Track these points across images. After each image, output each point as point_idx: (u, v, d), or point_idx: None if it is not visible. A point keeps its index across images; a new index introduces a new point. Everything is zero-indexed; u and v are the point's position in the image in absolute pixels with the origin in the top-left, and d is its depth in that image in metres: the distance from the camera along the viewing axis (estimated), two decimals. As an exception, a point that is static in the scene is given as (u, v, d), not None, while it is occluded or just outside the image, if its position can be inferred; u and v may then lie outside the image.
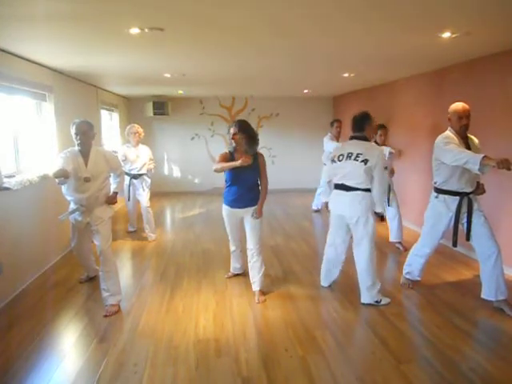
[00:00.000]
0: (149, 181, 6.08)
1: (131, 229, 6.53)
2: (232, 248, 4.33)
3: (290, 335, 3.22)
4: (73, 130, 3.65)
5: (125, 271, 4.88)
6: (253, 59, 4.95)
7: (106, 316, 3.57)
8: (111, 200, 3.94)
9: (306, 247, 5.60)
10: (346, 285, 4.28)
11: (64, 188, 3.74)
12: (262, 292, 3.92)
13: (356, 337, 3.20)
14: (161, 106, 9.47)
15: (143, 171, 5.99)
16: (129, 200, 6.14)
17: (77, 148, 3.70)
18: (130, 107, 9.82)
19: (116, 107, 8.67)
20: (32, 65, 4.70)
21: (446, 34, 3.64)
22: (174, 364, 2.85)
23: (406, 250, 5.23)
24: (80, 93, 6.43)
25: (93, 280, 4.37)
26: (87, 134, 3.69)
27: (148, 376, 2.71)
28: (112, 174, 4.07)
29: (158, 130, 10.02)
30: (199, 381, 2.68)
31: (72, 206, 3.83)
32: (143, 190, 6.00)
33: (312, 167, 10.39)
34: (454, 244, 3.75)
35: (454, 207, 3.62)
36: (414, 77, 6.33)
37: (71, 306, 3.82)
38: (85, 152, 3.71)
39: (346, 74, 6.23)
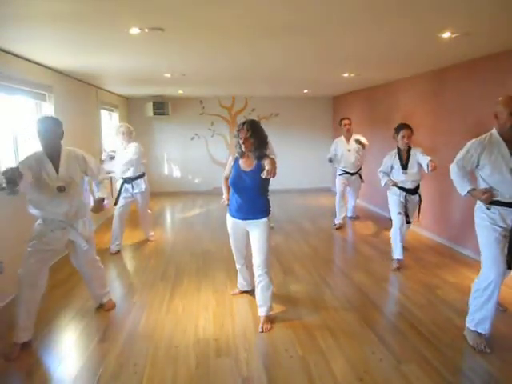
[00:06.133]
0: (143, 186, 5.43)
1: (115, 248, 5.39)
2: (237, 266, 3.86)
3: (289, 335, 3.22)
4: (35, 129, 3.02)
5: (125, 271, 4.89)
6: (253, 59, 4.95)
7: (108, 310, 3.68)
8: (98, 208, 3.35)
9: (306, 247, 5.60)
10: (347, 285, 4.28)
11: (31, 204, 3.09)
12: (268, 318, 3.41)
13: (356, 337, 3.20)
14: (161, 106, 9.48)
15: (133, 174, 5.35)
16: (115, 204, 5.39)
17: (42, 151, 3.06)
18: (130, 107, 9.82)
19: (116, 107, 8.67)
20: (32, 65, 4.70)
21: (446, 34, 3.64)
22: (173, 364, 2.85)
23: (407, 250, 5.22)
24: (80, 93, 6.43)
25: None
26: (53, 133, 3.03)
27: (148, 376, 2.71)
28: (93, 182, 3.42)
29: (157, 130, 10.02)
30: (199, 381, 2.68)
31: (40, 221, 3.15)
32: (142, 196, 5.45)
33: (312, 167, 10.41)
34: (509, 266, 2.95)
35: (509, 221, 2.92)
36: (413, 77, 6.33)
37: (71, 305, 3.82)
38: (53, 155, 3.06)
39: (346, 74, 6.23)
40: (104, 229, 6.33)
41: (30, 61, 4.61)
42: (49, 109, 5.17)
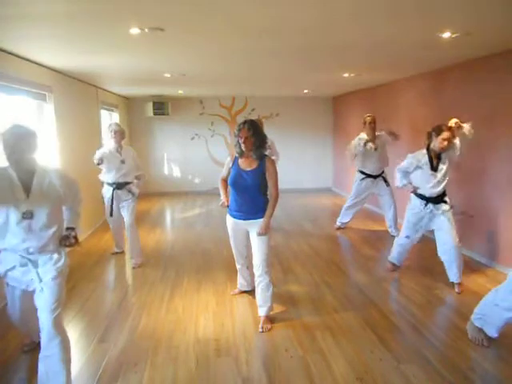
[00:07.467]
0: (136, 191, 4.97)
1: (117, 250, 5.38)
2: (237, 266, 3.87)
3: (290, 335, 3.22)
4: (5, 139, 2.38)
5: (125, 271, 4.89)
6: (253, 59, 4.95)
7: None
8: (67, 241, 2.60)
9: (306, 247, 5.60)
10: (347, 285, 4.28)
11: None
12: (268, 318, 3.43)
13: (356, 337, 3.20)
14: (161, 106, 9.48)
15: (129, 179, 4.89)
16: (111, 215, 4.96)
17: (8, 166, 2.42)
18: (130, 107, 9.81)
19: (116, 107, 8.67)
20: (32, 65, 4.70)
21: (446, 34, 3.64)
22: (173, 364, 2.85)
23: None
24: (80, 93, 6.44)
25: (91, 281, 4.36)
26: (29, 145, 2.41)
27: (148, 376, 2.72)
28: (65, 208, 2.69)
29: (158, 130, 10.02)
30: (199, 381, 2.68)
31: (2, 257, 2.51)
32: (128, 202, 4.89)
33: (312, 167, 10.41)
34: None
35: None
36: (413, 77, 6.33)
37: (71, 305, 3.81)
38: (24, 172, 2.43)
39: (346, 74, 6.23)
40: (102, 229, 6.33)
41: (30, 61, 4.61)
42: (49, 109, 5.17)
